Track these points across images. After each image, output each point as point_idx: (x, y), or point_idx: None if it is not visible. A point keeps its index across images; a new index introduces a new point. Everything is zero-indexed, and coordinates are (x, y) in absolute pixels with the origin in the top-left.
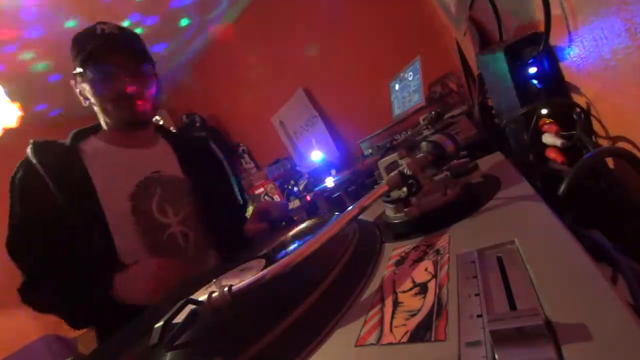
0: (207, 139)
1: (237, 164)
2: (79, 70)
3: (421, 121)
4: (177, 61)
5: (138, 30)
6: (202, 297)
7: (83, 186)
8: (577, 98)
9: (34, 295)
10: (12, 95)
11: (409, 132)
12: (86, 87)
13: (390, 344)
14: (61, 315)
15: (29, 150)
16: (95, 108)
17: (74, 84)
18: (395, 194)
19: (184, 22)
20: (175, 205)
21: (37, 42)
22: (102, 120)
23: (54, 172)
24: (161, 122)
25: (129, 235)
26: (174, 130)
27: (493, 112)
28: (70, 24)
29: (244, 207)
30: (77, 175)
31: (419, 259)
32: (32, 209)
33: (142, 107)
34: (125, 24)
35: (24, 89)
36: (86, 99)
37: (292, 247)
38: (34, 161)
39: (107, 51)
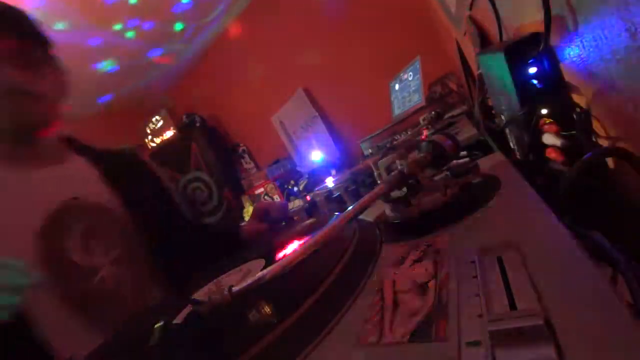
0: (135, 151)
1: (237, 164)
2: None
3: (421, 121)
4: (177, 61)
5: (130, 34)
6: (202, 297)
7: None
8: (577, 98)
9: None
10: None
11: (409, 132)
12: None
13: (390, 343)
14: None
15: None
16: None
17: None
18: (395, 194)
19: (178, 26)
20: (104, 241)
21: None
22: None
23: None
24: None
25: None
26: (92, 146)
27: (493, 112)
28: (60, 25)
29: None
30: None
31: (419, 259)
32: None
33: (36, 107)
34: (118, 27)
35: None
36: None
37: (292, 247)
38: None
39: None
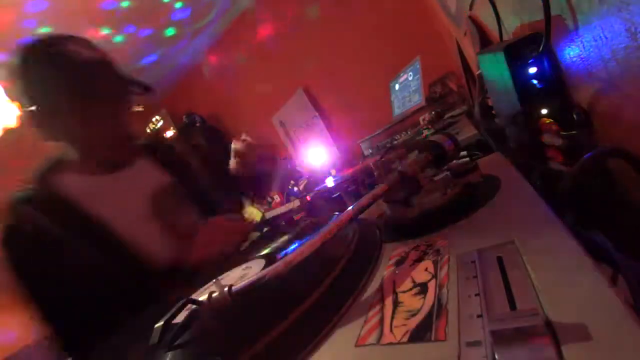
0: (172, 145)
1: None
2: (23, 100)
3: (421, 121)
4: (177, 61)
5: (118, 39)
6: (202, 297)
7: (89, 225)
8: (577, 98)
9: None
10: None
11: (409, 132)
12: (39, 124)
13: (391, 344)
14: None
15: (16, 206)
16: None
17: (20, 120)
18: (395, 194)
19: (170, 31)
20: (183, 209)
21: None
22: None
23: (55, 222)
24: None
25: (152, 243)
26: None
27: (493, 112)
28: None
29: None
30: (78, 215)
31: (419, 259)
32: (44, 268)
33: (118, 152)
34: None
35: None
36: (48, 138)
37: (292, 247)
38: (30, 216)
39: (84, 83)
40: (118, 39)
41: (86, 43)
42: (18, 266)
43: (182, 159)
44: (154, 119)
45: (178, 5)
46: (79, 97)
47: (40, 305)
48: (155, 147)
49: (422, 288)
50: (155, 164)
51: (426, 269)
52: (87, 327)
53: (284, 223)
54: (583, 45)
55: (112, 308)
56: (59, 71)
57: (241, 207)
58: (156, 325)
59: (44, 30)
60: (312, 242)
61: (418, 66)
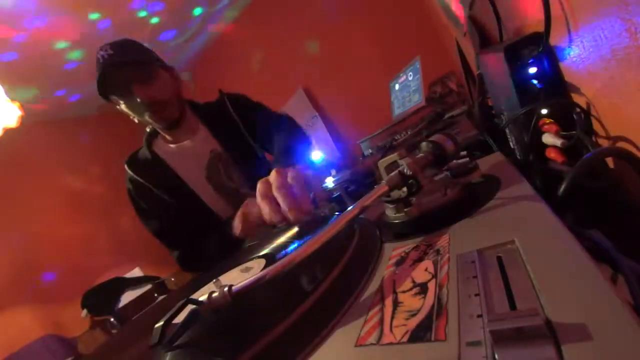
0: (221, 99)
1: None
2: (107, 100)
3: (421, 121)
4: (177, 61)
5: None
6: (202, 297)
7: (174, 182)
8: (577, 98)
9: (187, 260)
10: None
11: (409, 132)
12: (123, 110)
13: (390, 343)
14: (203, 265)
15: (126, 167)
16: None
17: (118, 109)
18: (395, 194)
19: (163, 36)
20: (235, 172)
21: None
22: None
23: (152, 180)
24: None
25: (219, 204)
26: (200, 103)
27: (493, 112)
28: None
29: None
30: (167, 175)
31: (419, 259)
32: (149, 210)
33: (165, 111)
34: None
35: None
36: (132, 116)
37: (292, 247)
38: (135, 176)
39: (109, 78)
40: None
41: (108, 46)
42: (133, 201)
43: (229, 120)
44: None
45: (154, 21)
46: (116, 93)
47: (148, 227)
48: (211, 115)
49: (422, 288)
50: (211, 132)
51: (426, 269)
52: (174, 242)
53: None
54: (583, 45)
55: (189, 236)
56: (97, 78)
57: None
58: (156, 325)
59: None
60: (312, 242)
61: (418, 66)
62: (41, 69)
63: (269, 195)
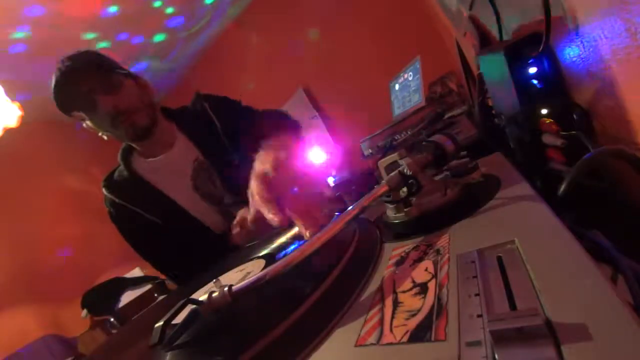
0: (197, 102)
1: None
2: (69, 116)
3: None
4: (176, 61)
5: (103, 44)
6: (202, 297)
7: (159, 200)
8: (577, 98)
9: (174, 279)
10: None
11: (409, 132)
12: (89, 126)
13: (390, 344)
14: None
15: (104, 190)
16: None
17: (85, 127)
18: (395, 194)
19: (160, 37)
20: (217, 180)
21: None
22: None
23: (133, 200)
24: None
25: (208, 214)
26: (175, 109)
27: (493, 112)
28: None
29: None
30: (149, 193)
31: (419, 259)
32: (136, 233)
33: (133, 119)
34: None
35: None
36: (101, 133)
37: (292, 248)
38: (115, 198)
39: (69, 90)
40: (103, 44)
41: (65, 58)
42: (117, 225)
43: (207, 121)
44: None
45: (169, 10)
46: (79, 106)
47: (137, 251)
48: (188, 120)
49: (422, 288)
50: (189, 141)
51: (426, 269)
52: (166, 265)
53: None
54: (583, 45)
55: (179, 252)
56: (54, 92)
57: None
58: (156, 325)
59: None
60: (312, 242)
61: (418, 66)
62: (42, 69)
63: (269, 198)
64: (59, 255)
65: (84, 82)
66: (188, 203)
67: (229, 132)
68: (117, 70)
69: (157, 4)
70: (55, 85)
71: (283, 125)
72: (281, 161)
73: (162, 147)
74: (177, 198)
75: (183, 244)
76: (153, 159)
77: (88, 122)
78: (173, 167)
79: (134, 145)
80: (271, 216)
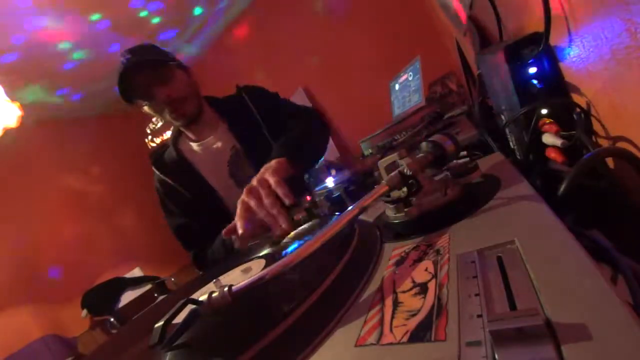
0: (238, 94)
1: None
2: (131, 104)
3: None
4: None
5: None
6: (202, 297)
7: (198, 182)
8: (577, 98)
9: (199, 261)
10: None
11: (409, 132)
12: (146, 111)
13: (390, 344)
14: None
15: (154, 168)
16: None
17: (143, 112)
18: (395, 194)
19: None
20: (251, 168)
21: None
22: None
23: (178, 180)
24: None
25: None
26: (218, 98)
27: (493, 112)
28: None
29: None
30: (191, 175)
31: (419, 259)
32: (175, 209)
33: (183, 108)
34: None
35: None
36: (156, 118)
37: (292, 247)
38: (163, 176)
39: (131, 82)
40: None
41: (126, 52)
42: (160, 198)
43: (247, 112)
44: (153, 119)
45: (155, 21)
46: (139, 96)
47: (170, 225)
48: (230, 110)
49: (422, 288)
50: (228, 129)
51: (426, 269)
52: (195, 243)
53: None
54: (583, 45)
55: (206, 238)
56: (119, 83)
57: None
58: (156, 325)
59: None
60: (312, 242)
61: (418, 66)
62: (41, 70)
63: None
64: (59, 255)
65: (143, 75)
66: (223, 188)
67: (265, 122)
68: (170, 61)
69: (143, 14)
70: (119, 78)
71: (303, 128)
72: (264, 172)
73: (206, 132)
74: (214, 183)
75: (211, 227)
76: (198, 142)
77: (146, 108)
78: (214, 153)
79: (182, 129)
80: (238, 228)
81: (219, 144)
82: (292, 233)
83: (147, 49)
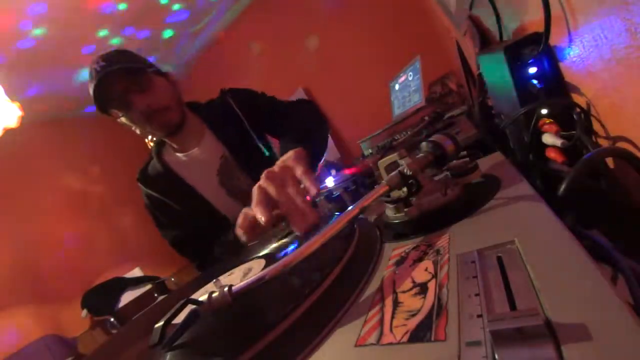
0: (222, 98)
1: None
2: (107, 114)
3: (421, 121)
4: (176, 62)
5: (115, 41)
6: (202, 297)
7: (188, 193)
8: (577, 98)
9: (200, 266)
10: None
11: (409, 132)
12: (123, 122)
13: (390, 344)
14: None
15: (139, 184)
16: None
17: (120, 123)
18: (395, 194)
19: (167, 33)
20: (242, 175)
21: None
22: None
23: (166, 193)
24: None
25: (233, 209)
26: (201, 104)
27: (493, 112)
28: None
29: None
30: (180, 187)
31: (419, 259)
32: (167, 223)
33: (166, 117)
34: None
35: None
36: (134, 128)
37: (292, 247)
38: (150, 191)
39: (105, 90)
40: (115, 40)
41: (99, 58)
42: (151, 212)
43: (232, 114)
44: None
45: (176, 7)
46: (115, 105)
47: (166, 239)
48: (214, 116)
49: (422, 288)
50: (216, 138)
51: (426, 269)
52: (194, 253)
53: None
54: (583, 45)
55: (201, 241)
56: (93, 92)
57: None
58: (156, 325)
59: (38, 31)
60: (312, 242)
61: (418, 66)
62: (42, 69)
63: (265, 202)
64: (59, 255)
65: (119, 83)
66: (214, 198)
67: (254, 125)
68: (148, 69)
69: (163, 1)
70: (93, 87)
71: (304, 120)
72: (284, 161)
73: (191, 142)
74: (205, 193)
75: (206, 236)
76: (183, 153)
77: (123, 119)
78: (201, 163)
79: (165, 140)
80: (259, 216)
81: (206, 154)
82: (292, 233)
83: (121, 55)
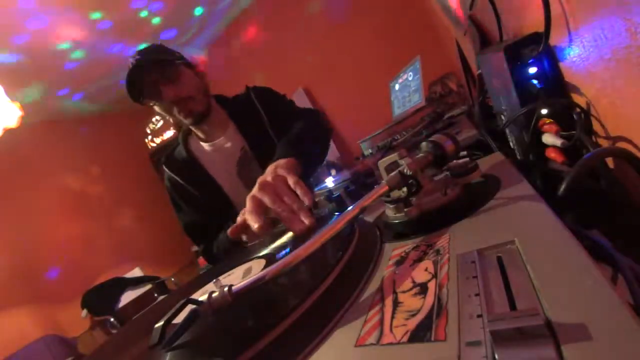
0: (247, 94)
1: None
2: (140, 104)
3: (421, 121)
4: None
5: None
6: (202, 297)
7: (207, 182)
8: (577, 98)
9: (207, 254)
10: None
11: (409, 132)
12: (157, 111)
13: (390, 344)
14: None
15: (164, 167)
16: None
17: (155, 111)
18: (395, 194)
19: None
20: (259, 169)
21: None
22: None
23: (187, 179)
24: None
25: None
26: (228, 98)
27: (493, 112)
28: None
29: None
30: (200, 175)
31: (419, 259)
32: (184, 207)
33: (192, 106)
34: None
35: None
36: (167, 117)
37: (292, 248)
38: (173, 175)
39: (139, 82)
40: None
41: (135, 53)
42: (170, 195)
43: (254, 111)
44: (153, 119)
45: (155, 21)
46: (147, 96)
47: (180, 221)
48: (238, 110)
49: (422, 288)
50: (238, 130)
51: (426, 269)
52: (204, 238)
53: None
54: (583, 45)
55: (213, 229)
56: (127, 85)
57: None
58: (156, 325)
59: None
60: (312, 242)
61: (418, 66)
62: (42, 70)
63: (258, 211)
64: (59, 255)
65: (150, 74)
66: (231, 189)
67: (273, 123)
68: (177, 60)
69: (143, 14)
70: (127, 78)
71: (305, 129)
72: (276, 169)
73: (217, 132)
74: (223, 183)
75: (220, 223)
76: (208, 143)
77: (156, 108)
78: (223, 153)
79: (192, 128)
80: (252, 224)
81: (229, 145)
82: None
83: (154, 49)
